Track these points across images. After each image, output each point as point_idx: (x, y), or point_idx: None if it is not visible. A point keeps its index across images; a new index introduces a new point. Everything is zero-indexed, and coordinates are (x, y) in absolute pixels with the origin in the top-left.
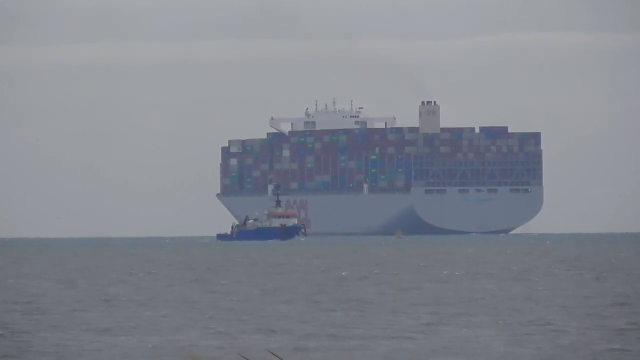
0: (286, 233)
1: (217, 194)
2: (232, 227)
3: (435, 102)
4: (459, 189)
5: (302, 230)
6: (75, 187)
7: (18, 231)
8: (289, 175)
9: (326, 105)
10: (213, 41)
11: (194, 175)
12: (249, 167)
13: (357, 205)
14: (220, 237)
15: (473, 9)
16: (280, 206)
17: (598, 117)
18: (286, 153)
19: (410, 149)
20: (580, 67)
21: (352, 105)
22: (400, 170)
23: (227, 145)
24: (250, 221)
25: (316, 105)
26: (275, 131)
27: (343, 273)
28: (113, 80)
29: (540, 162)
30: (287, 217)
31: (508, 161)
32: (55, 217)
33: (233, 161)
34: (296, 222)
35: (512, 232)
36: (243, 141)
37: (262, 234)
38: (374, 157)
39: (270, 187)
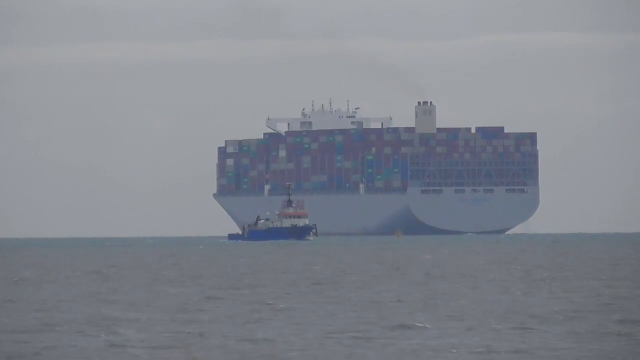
0: (297, 233)
1: (214, 194)
2: (244, 227)
3: (431, 102)
4: (455, 189)
5: (314, 230)
6: (73, 187)
7: (18, 231)
8: (286, 176)
9: (322, 105)
10: (210, 42)
11: (191, 175)
12: (245, 167)
13: (354, 206)
14: (232, 237)
15: (469, 9)
16: (291, 206)
17: (594, 117)
18: (282, 153)
19: (407, 149)
20: (577, 67)
21: (348, 105)
22: (396, 170)
23: (223, 145)
24: (262, 221)
25: (312, 105)
26: (272, 131)
27: (316, 274)
28: (110, 80)
29: (536, 163)
30: (299, 217)
31: (504, 161)
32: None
33: (230, 161)
34: (307, 222)
35: (509, 232)
36: (240, 141)
37: (274, 234)
38: (370, 157)
39: (267, 188)
